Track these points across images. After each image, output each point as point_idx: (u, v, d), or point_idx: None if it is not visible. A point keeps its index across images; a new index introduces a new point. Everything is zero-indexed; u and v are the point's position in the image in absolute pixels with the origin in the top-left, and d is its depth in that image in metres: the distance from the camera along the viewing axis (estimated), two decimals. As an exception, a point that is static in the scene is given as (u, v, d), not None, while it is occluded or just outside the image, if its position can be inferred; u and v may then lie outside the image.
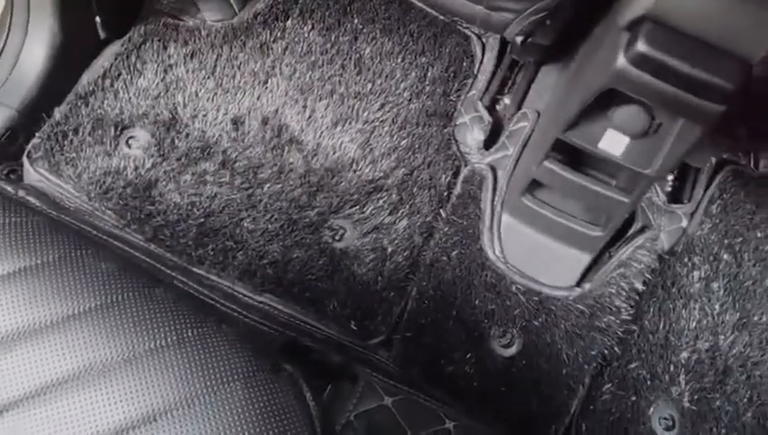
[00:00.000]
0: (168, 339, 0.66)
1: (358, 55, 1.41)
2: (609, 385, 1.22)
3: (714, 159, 1.37)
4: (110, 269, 0.68)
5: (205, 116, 1.33)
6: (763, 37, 0.79)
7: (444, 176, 1.32)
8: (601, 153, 1.04)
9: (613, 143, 1.02)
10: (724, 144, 1.24)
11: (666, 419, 1.22)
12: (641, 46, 0.82)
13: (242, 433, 0.63)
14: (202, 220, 1.25)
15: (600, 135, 1.02)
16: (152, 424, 0.63)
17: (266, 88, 1.36)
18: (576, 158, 1.15)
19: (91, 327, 0.65)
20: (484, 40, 1.43)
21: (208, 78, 1.36)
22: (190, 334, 0.67)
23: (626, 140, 1.00)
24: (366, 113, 1.36)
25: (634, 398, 1.21)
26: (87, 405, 0.63)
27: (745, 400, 1.23)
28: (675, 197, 1.37)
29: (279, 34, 1.41)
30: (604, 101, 0.97)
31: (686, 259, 1.31)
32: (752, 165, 1.26)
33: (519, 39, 1.13)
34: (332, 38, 1.42)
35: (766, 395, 1.24)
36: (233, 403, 0.65)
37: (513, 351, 1.21)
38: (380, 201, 1.29)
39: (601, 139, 1.02)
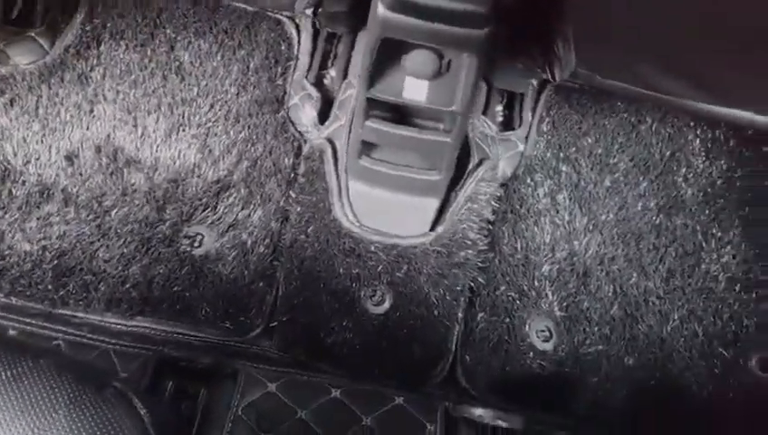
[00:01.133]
0: (-20, 387, 0.63)
1: (177, 63, 1.37)
2: (483, 314, 1.24)
3: (535, 82, 1.41)
4: None
5: (37, 159, 1.28)
6: None
7: (286, 159, 1.31)
8: (408, 102, 1.05)
9: (415, 90, 1.03)
10: (533, 66, 1.27)
11: (542, 331, 1.25)
12: None
13: (71, 459, 0.61)
14: (56, 262, 1.21)
15: (402, 85, 1.03)
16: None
17: (93, 116, 1.32)
18: (400, 111, 1.16)
19: None
20: (297, 21, 1.42)
21: (33, 121, 1.31)
22: (4, 377, 0.65)
23: (425, 83, 1.01)
24: (197, 117, 1.33)
25: (508, 320, 1.24)
26: None
27: (610, 294, 1.28)
28: (506, 125, 1.39)
29: (95, 62, 1.37)
30: (394, 52, 0.98)
31: (528, 180, 1.35)
32: (549, 78, 1.29)
33: (309, 11, 1.12)
34: (148, 53, 1.38)
35: (627, 285, 1.29)
36: (58, 433, 0.63)
37: (385, 307, 1.21)
38: (230, 198, 1.28)
39: (404, 88, 1.03)
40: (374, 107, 1.11)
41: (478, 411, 1.06)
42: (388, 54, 0.98)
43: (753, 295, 1.30)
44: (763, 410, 1.22)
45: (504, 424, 1.05)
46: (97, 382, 0.68)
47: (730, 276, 1.32)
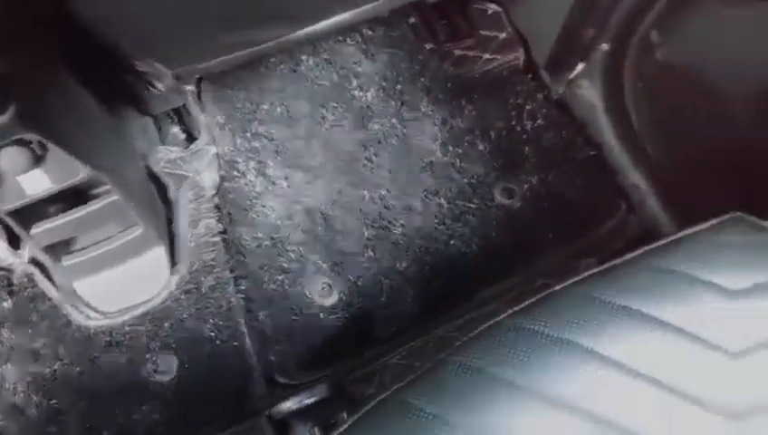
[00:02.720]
0: None
1: None
2: (263, 311, 1.15)
3: (189, 87, 1.30)
4: None
5: None
6: None
7: (4, 303, 1.15)
8: (41, 196, 0.91)
9: (35, 183, 0.90)
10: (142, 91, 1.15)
11: (321, 289, 1.18)
12: None
13: None
14: None
15: (20, 186, 0.89)
16: None
17: None
18: (60, 198, 1.01)
19: None
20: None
21: None
22: None
23: (36, 171, 0.88)
24: None
25: (287, 301, 1.17)
26: None
27: (355, 221, 1.23)
28: (189, 138, 1.29)
29: None
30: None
31: (234, 173, 1.26)
32: (157, 90, 1.18)
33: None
34: None
35: (364, 205, 1.25)
36: None
37: (173, 369, 1.10)
38: None
39: (23, 188, 0.89)
40: (23, 215, 0.96)
41: (286, 405, 0.99)
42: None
43: (465, 144, 1.29)
44: (518, 222, 1.22)
45: (312, 399, 0.99)
46: None
47: (441, 142, 1.30)
